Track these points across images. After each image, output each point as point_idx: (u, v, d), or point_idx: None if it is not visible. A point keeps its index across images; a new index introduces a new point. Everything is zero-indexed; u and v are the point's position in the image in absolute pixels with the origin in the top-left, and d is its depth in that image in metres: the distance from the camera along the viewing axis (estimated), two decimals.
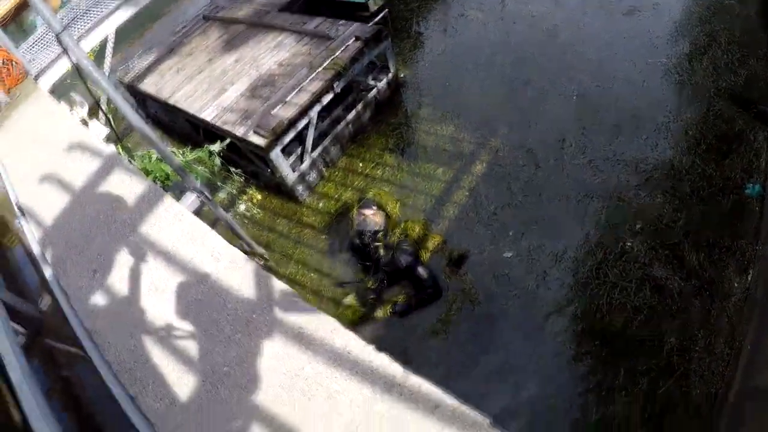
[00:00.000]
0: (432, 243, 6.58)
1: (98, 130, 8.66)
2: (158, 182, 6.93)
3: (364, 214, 6.37)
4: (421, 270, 6.15)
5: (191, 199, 5.86)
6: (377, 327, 6.13)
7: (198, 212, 7.19)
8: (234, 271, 4.40)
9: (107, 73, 9.86)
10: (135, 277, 4.67)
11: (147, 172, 6.71)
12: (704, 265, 5.54)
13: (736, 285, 5.34)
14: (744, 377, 4.40)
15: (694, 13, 8.70)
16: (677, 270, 5.58)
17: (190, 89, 8.51)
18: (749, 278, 5.35)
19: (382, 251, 6.33)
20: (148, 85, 9.30)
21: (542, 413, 5.01)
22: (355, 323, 6.16)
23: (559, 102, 7.90)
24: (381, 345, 3.50)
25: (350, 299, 6.40)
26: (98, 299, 4.58)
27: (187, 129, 8.93)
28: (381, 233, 6.38)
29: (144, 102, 10.18)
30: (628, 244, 5.95)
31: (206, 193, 5.63)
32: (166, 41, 10.47)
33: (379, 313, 6.21)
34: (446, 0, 11.01)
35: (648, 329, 5.21)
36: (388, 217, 6.63)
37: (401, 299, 6.23)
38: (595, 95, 7.80)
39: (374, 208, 6.47)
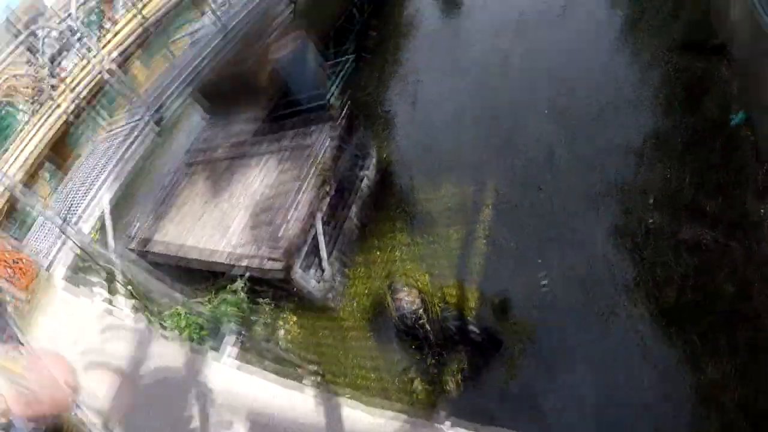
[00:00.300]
0: (473, 300, 6.54)
1: (123, 303, 8.87)
2: (194, 335, 7.07)
3: (398, 299, 6.33)
4: (472, 329, 6.13)
5: (231, 341, 5.99)
6: (454, 398, 5.99)
7: (242, 350, 7.31)
8: (293, 403, 4.49)
9: (113, 244, 10.14)
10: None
11: (181, 330, 6.86)
12: (724, 208, 5.63)
13: (762, 211, 5.42)
14: None
15: None
16: (704, 223, 5.63)
17: (195, 237, 8.72)
18: None
19: (428, 326, 6.25)
20: (156, 244, 9.48)
21: (642, 415, 4.89)
22: (431, 403, 6.02)
23: (533, 121, 8.10)
24: (462, 412, 3.48)
25: (417, 383, 6.26)
26: None
27: (205, 273, 9.10)
28: (421, 310, 6.30)
29: (157, 260, 10.39)
30: (650, 221, 6.01)
31: (243, 332, 5.77)
32: (158, 197, 10.78)
33: (450, 383, 6.06)
34: (399, 72, 11.42)
35: (703, 289, 5.20)
36: (421, 292, 6.54)
37: (465, 365, 6.09)
38: (564, 100, 8.03)
39: (405, 289, 6.43)
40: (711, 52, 7.04)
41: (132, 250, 10.17)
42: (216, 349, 6.13)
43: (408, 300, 6.30)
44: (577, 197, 6.76)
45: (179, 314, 7.20)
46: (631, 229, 6.06)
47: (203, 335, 7.08)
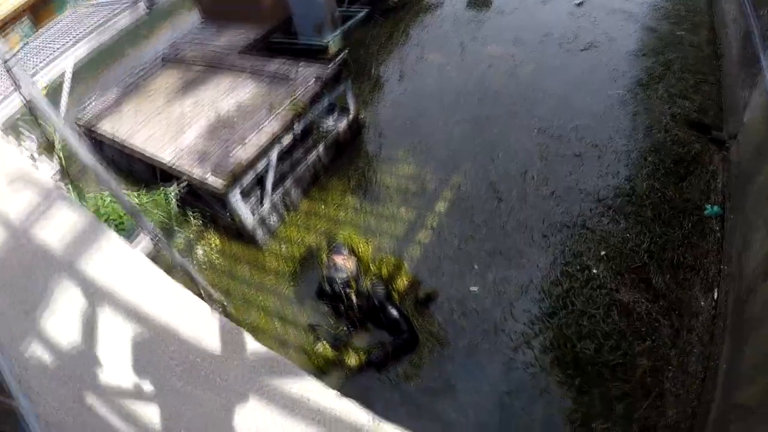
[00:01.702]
0: (402, 283, 6.26)
1: (47, 167, 8.23)
2: (112, 225, 6.66)
3: (334, 261, 5.96)
4: (392, 310, 5.80)
5: (144, 241, 5.48)
6: (349, 374, 5.76)
7: (153, 256, 6.89)
8: (183, 313, 4.09)
9: (63, 113, 9.58)
10: (73, 319, 4.29)
11: (100, 214, 6.44)
12: (670, 286, 5.58)
13: (702, 304, 5.40)
14: (724, 395, 4.36)
15: (648, 45, 9.08)
16: (644, 292, 5.60)
17: (147, 131, 8.30)
18: (715, 296, 5.42)
19: (354, 298, 5.91)
20: (105, 127, 9.03)
21: None
22: (325, 371, 5.79)
23: (521, 136, 7.97)
24: (353, 393, 3.25)
25: (321, 346, 5.96)
26: (30, 343, 4.18)
27: (144, 173, 8.67)
28: (353, 280, 5.96)
29: (101, 145, 9.82)
30: (594, 271, 5.94)
31: (160, 235, 5.34)
32: (124, 82, 10.25)
33: (352, 359, 5.77)
34: (406, 44, 11.18)
35: (619, 353, 5.15)
36: (359, 260, 6.22)
37: (376, 350, 5.77)
38: (557, 127, 7.92)
39: (345, 253, 6.06)
40: (712, 141, 7.00)
41: (80, 125, 9.67)
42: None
43: (343, 265, 5.94)
44: (534, 222, 6.65)
45: (103, 198, 6.76)
46: (573, 272, 5.98)
47: (121, 228, 6.68)
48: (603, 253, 6.09)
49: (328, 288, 6.01)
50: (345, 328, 6.03)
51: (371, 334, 6.01)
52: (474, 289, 6.15)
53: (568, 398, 4.98)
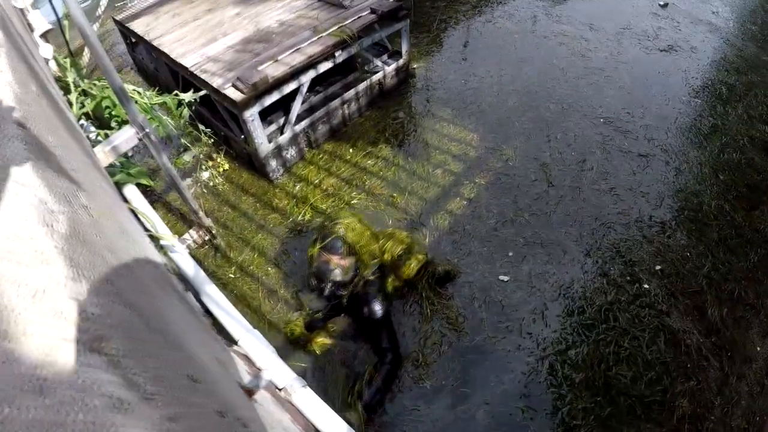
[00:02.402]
0: (409, 269, 5.21)
1: (39, 23, 7.20)
2: (104, 112, 5.88)
3: (328, 258, 4.82)
4: (378, 311, 4.83)
5: (128, 134, 4.45)
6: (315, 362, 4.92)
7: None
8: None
9: (103, 8, 8.97)
10: None
11: (93, 98, 5.69)
12: (726, 322, 4.89)
13: (758, 350, 4.74)
14: None
15: (732, 63, 8.41)
16: (697, 323, 4.88)
17: (179, 34, 7.57)
18: None
19: (345, 301, 4.90)
20: (139, 25, 8.31)
21: None
22: (295, 345, 5.00)
23: (584, 122, 7.18)
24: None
25: (297, 317, 5.10)
26: None
27: (168, 79, 8.00)
28: (347, 282, 4.87)
29: (135, 46, 9.30)
30: (645, 286, 5.17)
31: (150, 132, 4.42)
32: None
33: (320, 338, 4.99)
34: (475, 5, 10.40)
35: (659, 389, 4.44)
36: (359, 261, 4.98)
37: (362, 386, 4.62)
38: (624, 122, 7.16)
39: (341, 251, 4.84)
40: None
41: (116, 21, 9.05)
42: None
43: (338, 264, 4.82)
44: (585, 218, 5.93)
45: (106, 87, 5.99)
46: (622, 282, 5.26)
47: (112, 119, 5.87)
48: (658, 267, 5.34)
49: (314, 283, 4.98)
50: (322, 314, 5.04)
51: (349, 325, 5.20)
52: (504, 278, 5.38)
53: (588, 426, 4.24)
